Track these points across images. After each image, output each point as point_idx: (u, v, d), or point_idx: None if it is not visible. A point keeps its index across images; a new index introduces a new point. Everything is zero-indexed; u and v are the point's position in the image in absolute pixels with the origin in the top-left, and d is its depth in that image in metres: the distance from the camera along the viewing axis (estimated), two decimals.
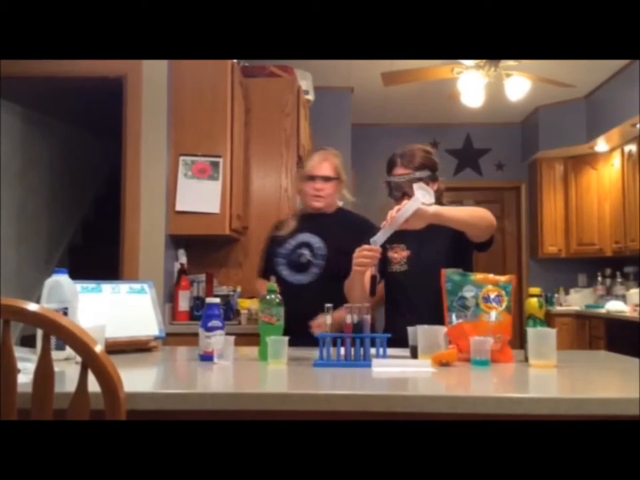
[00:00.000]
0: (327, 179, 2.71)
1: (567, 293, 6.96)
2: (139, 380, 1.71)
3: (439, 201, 2.49)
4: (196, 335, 1.95)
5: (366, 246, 2.14)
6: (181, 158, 3.71)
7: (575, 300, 6.77)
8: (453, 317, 1.97)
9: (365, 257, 2.14)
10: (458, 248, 2.31)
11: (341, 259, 2.44)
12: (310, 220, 2.77)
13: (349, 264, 2.32)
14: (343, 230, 2.68)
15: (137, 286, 2.29)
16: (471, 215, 2.24)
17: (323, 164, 2.71)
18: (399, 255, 2.43)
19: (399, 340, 1.99)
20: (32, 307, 1.18)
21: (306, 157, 2.85)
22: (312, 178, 2.71)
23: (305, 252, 2.67)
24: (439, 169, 2.49)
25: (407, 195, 2.36)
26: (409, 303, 2.36)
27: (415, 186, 2.13)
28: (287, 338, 1.85)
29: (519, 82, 4.92)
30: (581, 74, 5.71)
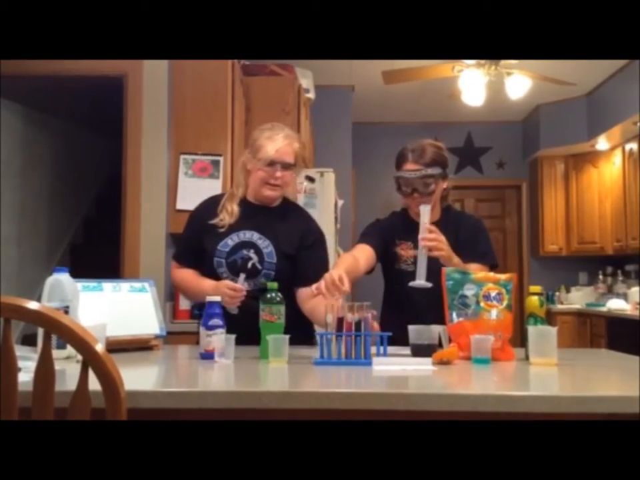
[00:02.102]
0: (288, 166, 2.31)
1: (567, 291, 6.96)
2: (139, 378, 1.71)
3: (445, 199, 2.49)
4: (197, 333, 1.96)
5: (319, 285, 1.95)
6: (182, 156, 3.72)
7: (576, 298, 6.78)
8: (454, 315, 1.97)
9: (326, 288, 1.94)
10: (460, 253, 2.32)
11: (289, 266, 2.29)
12: (254, 214, 2.35)
13: (294, 271, 2.28)
14: (290, 229, 2.34)
15: (137, 284, 2.29)
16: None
17: (287, 149, 2.30)
18: (406, 253, 2.40)
19: (394, 337, 1.97)
20: (33, 305, 1.18)
21: (261, 135, 2.33)
22: (272, 164, 2.28)
23: (252, 255, 2.27)
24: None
25: (417, 190, 2.33)
26: (410, 302, 2.34)
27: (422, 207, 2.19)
28: (287, 336, 1.84)
29: (519, 80, 4.92)
30: (582, 72, 5.71)
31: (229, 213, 2.34)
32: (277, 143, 2.29)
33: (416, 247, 2.35)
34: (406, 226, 2.42)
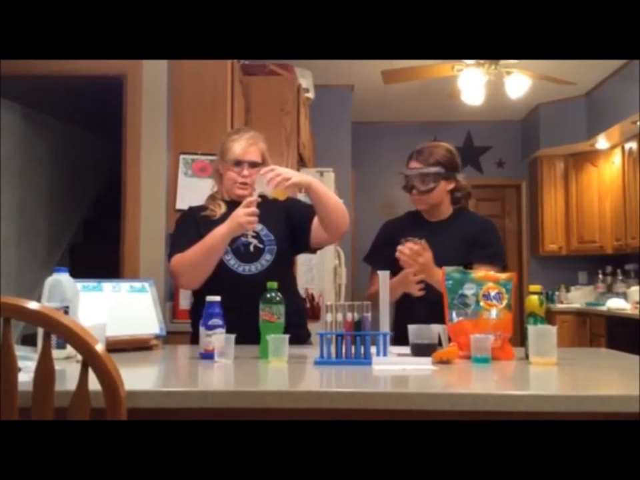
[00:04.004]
0: (254, 164, 2.42)
1: (567, 290, 6.96)
2: (139, 378, 1.71)
3: (459, 201, 2.58)
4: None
5: None
6: (181, 156, 3.72)
7: (576, 297, 6.78)
8: (454, 314, 1.97)
9: None
10: (464, 255, 2.36)
11: (287, 243, 2.44)
12: (237, 206, 2.38)
13: (292, 248, 2.49)
14: (274, 211, 2.43)
15: (137, 284, 2.29)
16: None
17: (251, 148, 2.43)
18: None
19: (404, 336, 1.98)
20: (33, 305, 1.18)
21: (227, 138, 2.48)
22: (239, 163, 2.41)
23: (251, 239, 2.38)
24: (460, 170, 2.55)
25: (415, 187, 2.45)
26: (420, 301, 2.34)
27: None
28: (287, 336, 1.85)
29: (519, 80, 4.93)
30: (581, 71, 5.71)
31: (216, 206, 2.45)
32: (242, 143, 2.43)
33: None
34: (415, 224, 2.53)
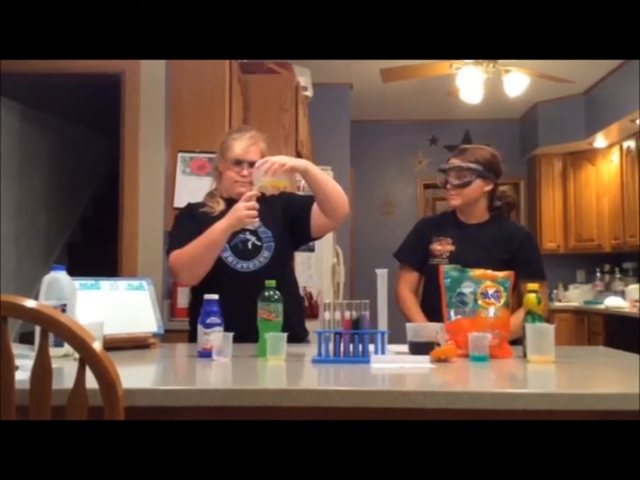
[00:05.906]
0: (254, 164, 2.33)
1: (565, 288, 6.96)
2: (137, 376, 1.71)
3: (496, 206, 2.59)
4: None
5: None
6: (179, 154, 3.71)
7: (574, 296, 6.79)
8: (452, 312, 1.97)
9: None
10: (496, 259, 2.35)
11: (285, 240, 2.43)
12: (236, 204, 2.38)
13: (293, 241, 2.48)
14: (272, 207, 2.43)
15: (135, 282, 2.28)
16: None
17: (252, 148, 2.41)
18: (443, 247, 2.48)
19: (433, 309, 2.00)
20: (30, 303, 1.18)
21: (228, 137, 2.47)
22: (239, 163, 2.40)
23: (249, 237, 2.38)
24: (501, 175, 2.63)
25: (449, 182, 2.50)
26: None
27: None
28: (285, 334, 1.85)
29: (517, 78, 4.93)
30: (580, 70, 5.71)
31: (215, 204, 2.44)
32: (243, 142, 2.41)
33: (454, 242, 2.46)
34: (450, 224, 2.55)
